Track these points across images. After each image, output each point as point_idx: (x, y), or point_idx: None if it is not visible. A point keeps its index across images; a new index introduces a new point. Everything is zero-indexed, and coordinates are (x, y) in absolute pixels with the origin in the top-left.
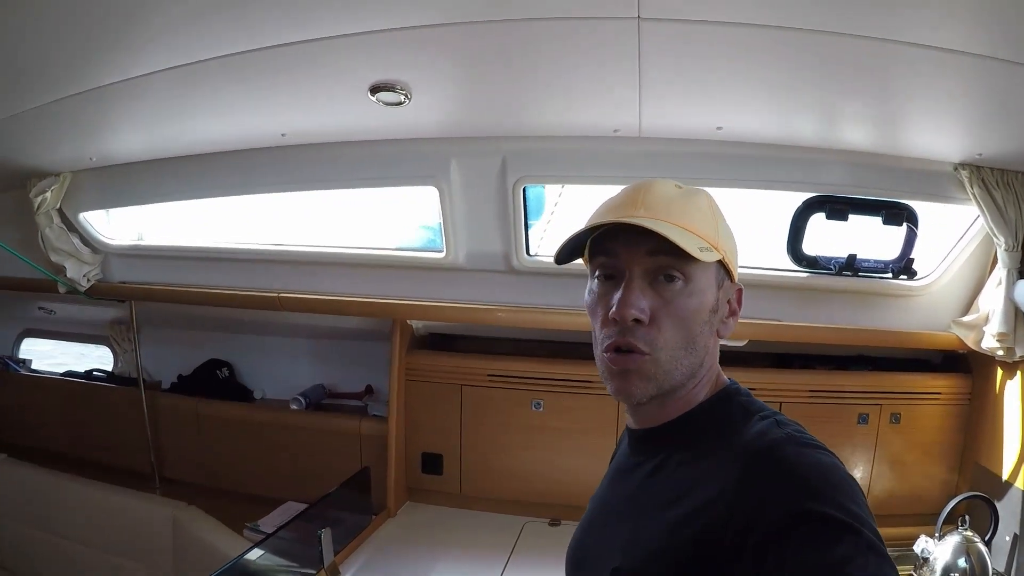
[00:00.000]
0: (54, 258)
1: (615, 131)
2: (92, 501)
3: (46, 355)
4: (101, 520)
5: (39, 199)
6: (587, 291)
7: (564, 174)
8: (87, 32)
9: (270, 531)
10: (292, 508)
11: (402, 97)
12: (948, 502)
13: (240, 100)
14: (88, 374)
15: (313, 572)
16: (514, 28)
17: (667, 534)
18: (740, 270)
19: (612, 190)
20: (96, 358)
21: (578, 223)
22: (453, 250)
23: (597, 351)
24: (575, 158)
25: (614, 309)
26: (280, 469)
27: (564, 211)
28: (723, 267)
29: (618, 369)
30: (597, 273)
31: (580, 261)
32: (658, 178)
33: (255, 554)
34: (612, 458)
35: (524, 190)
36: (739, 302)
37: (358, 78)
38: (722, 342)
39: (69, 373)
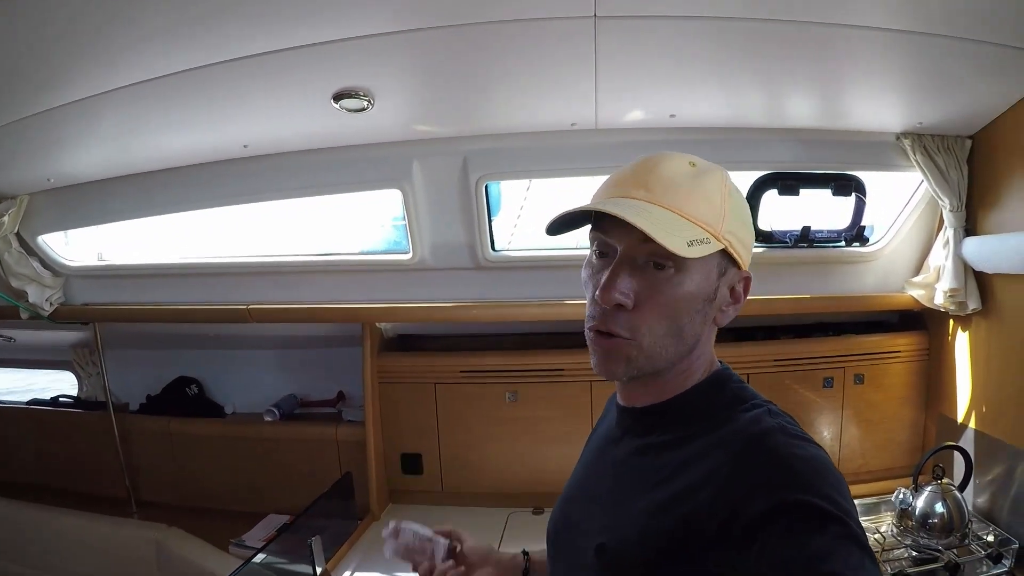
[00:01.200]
0: (15, 284)
1: (572, 124)
2: (70, 531)
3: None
4: (81, 550)
5: None
6: (584, 264)
7: (524, 169)
8: (41, 54)
9: (256, 545)
10: (275, 520)
11: (365, 103)
12: (918, 453)
13: (201, 114)
14: (54, 400)
15: None
16: (473, 32)
17: (653, 515)
18: None
19: (573, 182)
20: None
21: (550, 212)
22: (420, 250)
23: (585, 325)
24: (534, 153)
25: (598, 292)
26: (259, 482)
27: (533, 204)
28: (727, 254)
29: (600, 350)
30: (594, 247)
31: (544, 253)
32: (674, 153)
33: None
34: (593, 432)
35: (486, 187)
36: (746, 290)
37: (321, 87)
38: None
39: (34, 401)
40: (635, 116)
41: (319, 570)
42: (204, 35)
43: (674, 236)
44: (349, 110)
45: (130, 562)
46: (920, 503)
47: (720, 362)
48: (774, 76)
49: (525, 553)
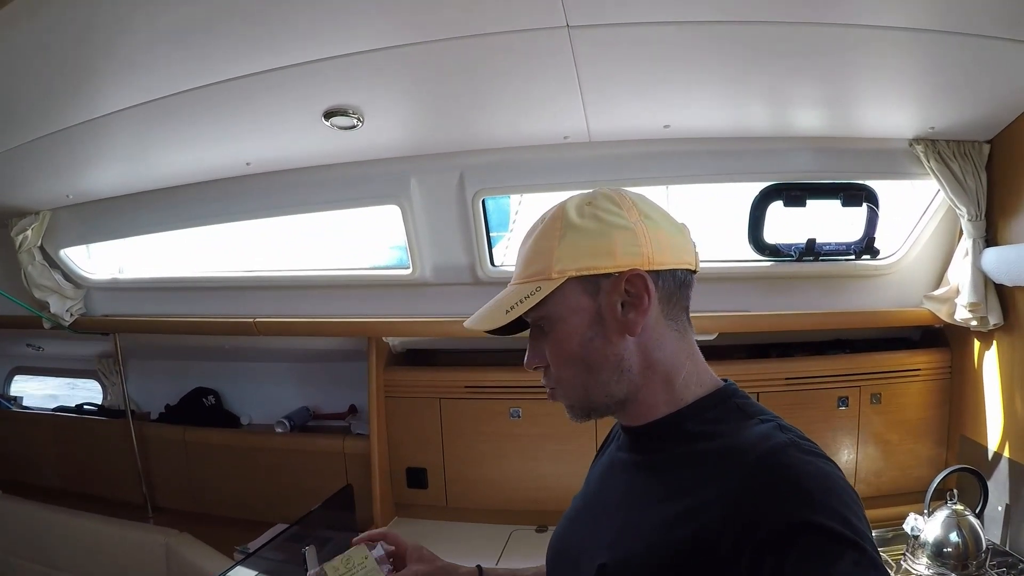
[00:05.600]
0: (37, 294)
1: (565, 138)
2: (86, 533)
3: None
4: (95, 551)
5: (20, 237)
6: None
7: (521, 184)
8: (53, 74)
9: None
10: (282, 530)
11: (355, 121)
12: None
13: (203, 132)
14: (79, 408)
15: None
16: (451, 47)
17: (659, 531)
18: (701, 264)
19: (569, 196)
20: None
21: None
22: (420, 266)
23: None
24: (529, 167)
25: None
26: (268, 492)
27: (525, 220)
28: (587, 276)
29: (553, 402)
30: None
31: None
32: (551, 210)
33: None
34: (599, 452)
35: (483, 202)
36: (645, 288)
37: (311, 105)
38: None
39: (60, 408)
40: (627, 127)
41: None
42: (199, 55)
43: (498, 312)
44: (340, 127)
45: (141, 564)
46: (933, 531)
47: (726, 380)
48: (775, 81)
49: (479, 568)
